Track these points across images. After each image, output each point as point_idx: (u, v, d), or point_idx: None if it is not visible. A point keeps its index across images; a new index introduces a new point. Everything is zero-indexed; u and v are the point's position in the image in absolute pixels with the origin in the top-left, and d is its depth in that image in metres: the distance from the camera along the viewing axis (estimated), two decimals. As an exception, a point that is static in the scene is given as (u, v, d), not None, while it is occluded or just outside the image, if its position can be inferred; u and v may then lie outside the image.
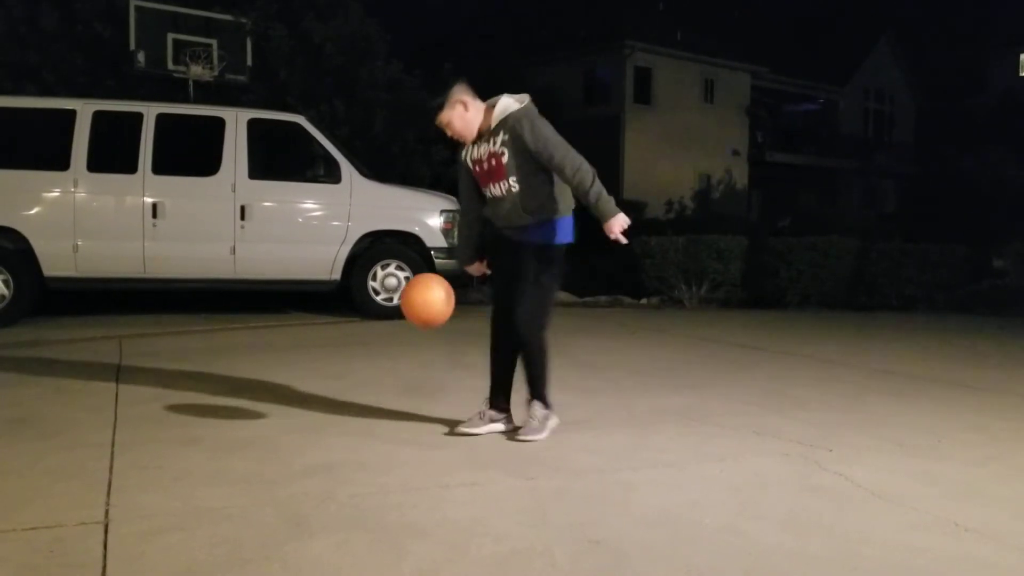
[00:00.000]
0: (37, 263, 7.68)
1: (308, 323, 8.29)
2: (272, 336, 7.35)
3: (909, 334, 8.43)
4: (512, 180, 3.72)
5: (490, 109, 3.77)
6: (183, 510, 2.86)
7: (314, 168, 8.40)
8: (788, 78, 28.05)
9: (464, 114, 3.75)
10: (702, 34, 25.70)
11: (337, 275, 8.39)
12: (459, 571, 2.44)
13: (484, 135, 3.77)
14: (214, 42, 10.91)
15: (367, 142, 12.09)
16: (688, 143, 24.59)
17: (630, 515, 2.92)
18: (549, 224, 3.77)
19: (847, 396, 5.08)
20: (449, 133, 3.82)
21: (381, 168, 10.61)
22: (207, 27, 11.00)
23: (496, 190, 3.79)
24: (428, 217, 8.52)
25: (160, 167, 7.93)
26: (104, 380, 5.06)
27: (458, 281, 7.62)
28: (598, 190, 3.64)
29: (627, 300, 11.42)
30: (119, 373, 5.31)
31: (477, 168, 3.83)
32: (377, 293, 8.41)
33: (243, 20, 11.51)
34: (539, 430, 3.85)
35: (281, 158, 8.58)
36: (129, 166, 7.88)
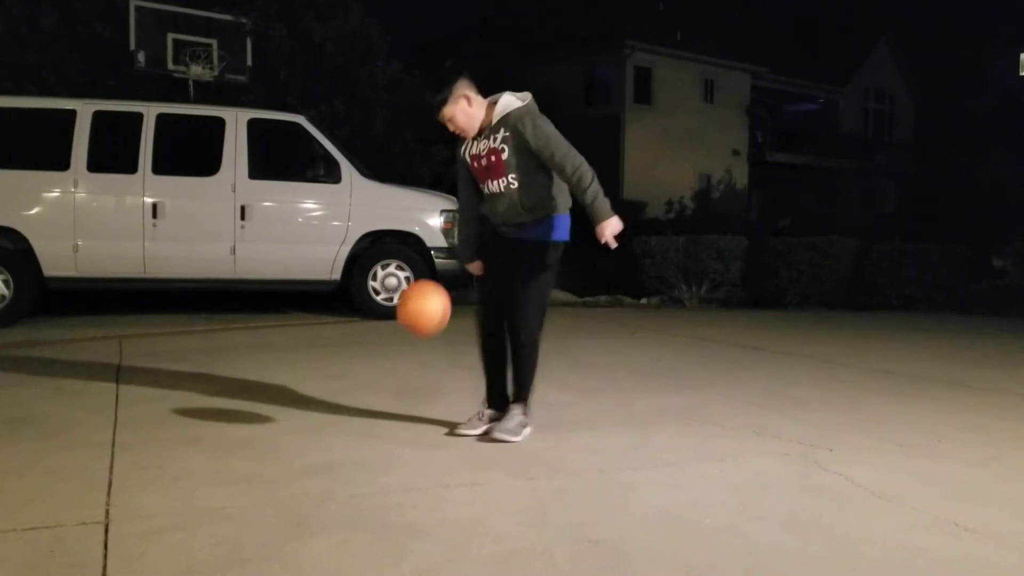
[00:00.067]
0: (37, 263, 7.68)
1: (308, 323, 8.29)
2: (272, 336, 7.35)
3: (909, 334, 8.43)
4: (511, 177, 3.72)
5: (492, 106, 3.77)
6: (183, 510, 2.86)
7: (314, 168, 8.39)
8: (788, 78, 28.08)
9: (468, 109, 3.74)
10: (702, 34, 25.73)
11: (337, 275, 8.39)
12: (459, 571, 2.44)
13: (484, 131, 3.77)
14: (214, 42, 10.92)
15: (367, 142, 12.10)
16: (688, 143, 24.60)
17: (630, 515, 2.92)
18: (547, 222, 3.77)
19: (847, 396, 5.07)
20: (451, 128, 3.81)
21: (381, 168, 10.61)
22: (207, 27, 11.00)
23: (494, 187, 3.78)
24: (428, 217, 8.52)
25: (160, 167, 7.93)
26: (104, 380, 5.06)
27: (459, 281, 7.68)
28: (596, 190, 3.64)
29: (627, 300, 11.43)
30: (119, 373, 5.31)
31: (475, 164, 3.82)
32: (377, 293, 8.40)
33: (243, 20, 11.52)
34: (515, 432, 3.81)
35: (281, 158, 8.58)
36: (129, 166, 7.87)
